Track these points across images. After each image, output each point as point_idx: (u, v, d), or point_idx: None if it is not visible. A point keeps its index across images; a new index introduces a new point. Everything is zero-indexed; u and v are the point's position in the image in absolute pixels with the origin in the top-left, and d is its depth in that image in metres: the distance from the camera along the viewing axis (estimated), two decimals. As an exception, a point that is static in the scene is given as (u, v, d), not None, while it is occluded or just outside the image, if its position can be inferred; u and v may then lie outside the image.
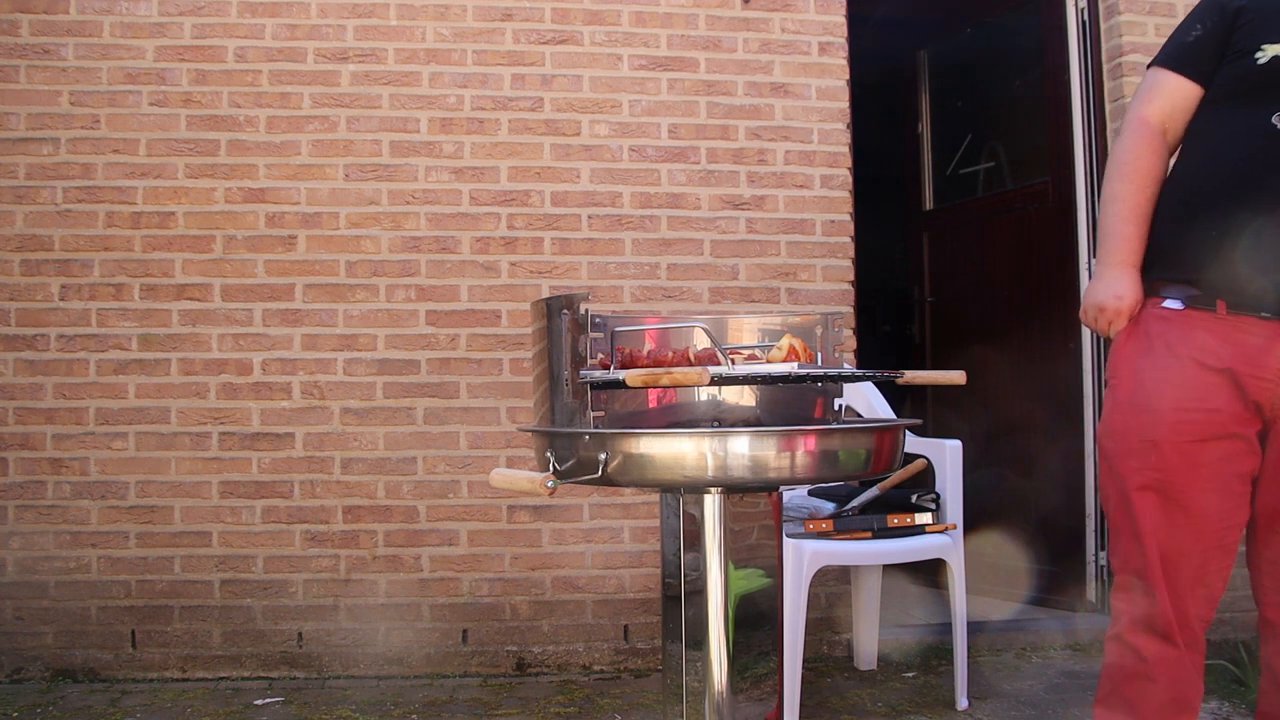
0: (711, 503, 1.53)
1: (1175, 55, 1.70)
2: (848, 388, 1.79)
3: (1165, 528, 1.61)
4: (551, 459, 1.46)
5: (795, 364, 1.53)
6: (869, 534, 2.61)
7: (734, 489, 1.53)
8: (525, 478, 1.35)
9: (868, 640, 3.05)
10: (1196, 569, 1.60)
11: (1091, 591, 3.36)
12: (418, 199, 3.05)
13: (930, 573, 3.62)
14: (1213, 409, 1.58)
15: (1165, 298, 1.65)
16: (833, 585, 3.11)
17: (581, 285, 3.05)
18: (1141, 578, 1.63)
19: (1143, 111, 1.70)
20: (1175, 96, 1.68)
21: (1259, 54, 1.56)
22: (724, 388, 1.69)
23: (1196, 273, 1.61)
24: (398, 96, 3.05)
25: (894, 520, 2.63)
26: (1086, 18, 3.38)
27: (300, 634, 2.98)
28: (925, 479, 2.72)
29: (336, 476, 3.00)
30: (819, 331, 1.74)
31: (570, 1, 3.10)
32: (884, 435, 1.53)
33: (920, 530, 2.64)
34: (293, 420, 2.99)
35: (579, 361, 1.56)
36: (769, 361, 1.58)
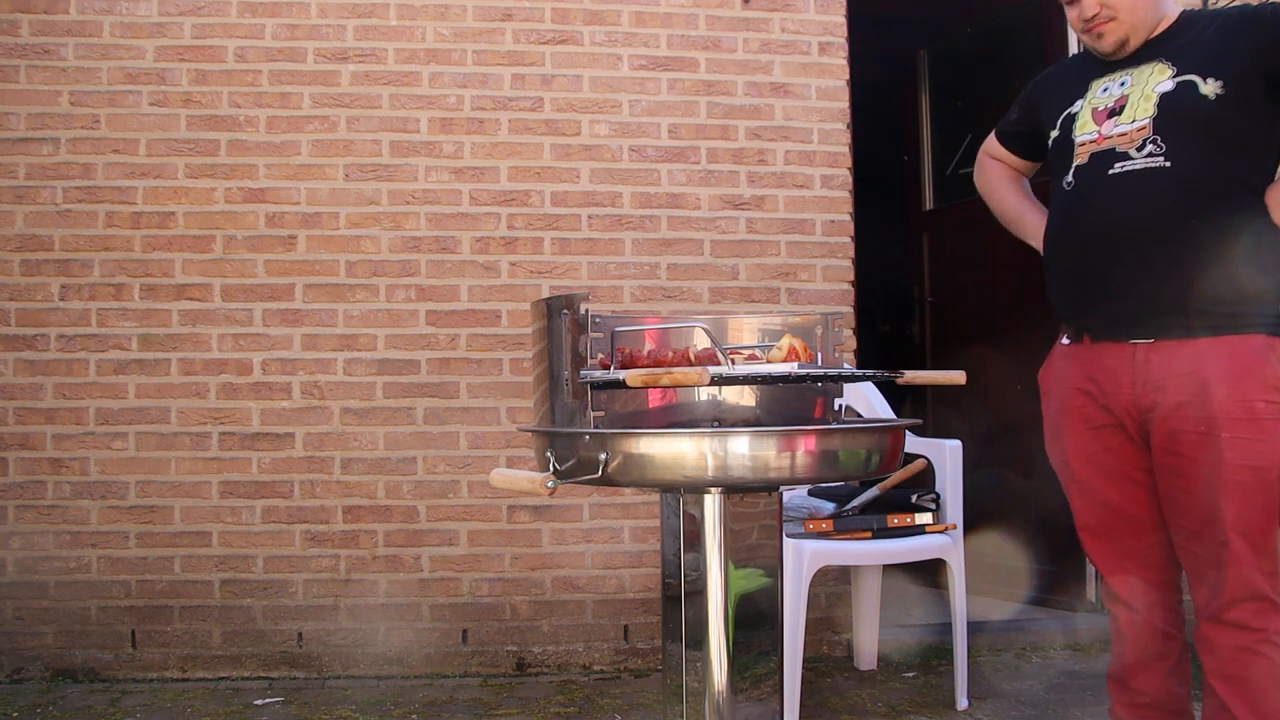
0: (711, 503, 1.53)
1: (1000, 128, 2.20)
2: (848, 388, 1.79)
3: (1094, 520, 1.96)
4: (551, 459, 1.46)
5: (795, 364, 1.53)
6: (869, 534, 2.61)
7: (734, 489, 1.52)
8: (525, 478, 1.35)
9: (868, 640, 3.05)
10: (1130, 547, 1.92)
11: (1091, 591, 3.36)
12: (418, 199, 3.05)
13: (930, 573, 3.62)
14: (1095, 426, 1.90)
15: (1063, 336, 2.00)
16: (833, 585, 3.11)
17: (581, 285, 3.05)
18: (1093, 563, 2.04)
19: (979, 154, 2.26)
20: (990, 145, 2.21)
21: (1049, 139, 1.98)
22: (724, 388, 1.69)
23: (1065, 313, 1.97)
24: (398, 96, 3.05)
25: (894, 520, 2.63)
26: (1087, 18, 3.38)
27: (300, 634, 2.98)
28: (925, 479, 2.72)
29: (336, 476, 3.00)
30: (819, 331, 1.74)
31: (570, 1, 3.10)
32: (884, 435, 1.53)
33: (920, 530, 2.64)
34: (293, 420, 2.99)
35: (579, 361, 1.56)
36: (769, 361, 1.58)
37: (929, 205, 4.17)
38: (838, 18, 3.19)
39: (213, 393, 2.98)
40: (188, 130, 3.00)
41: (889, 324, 4.70)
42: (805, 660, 2.60)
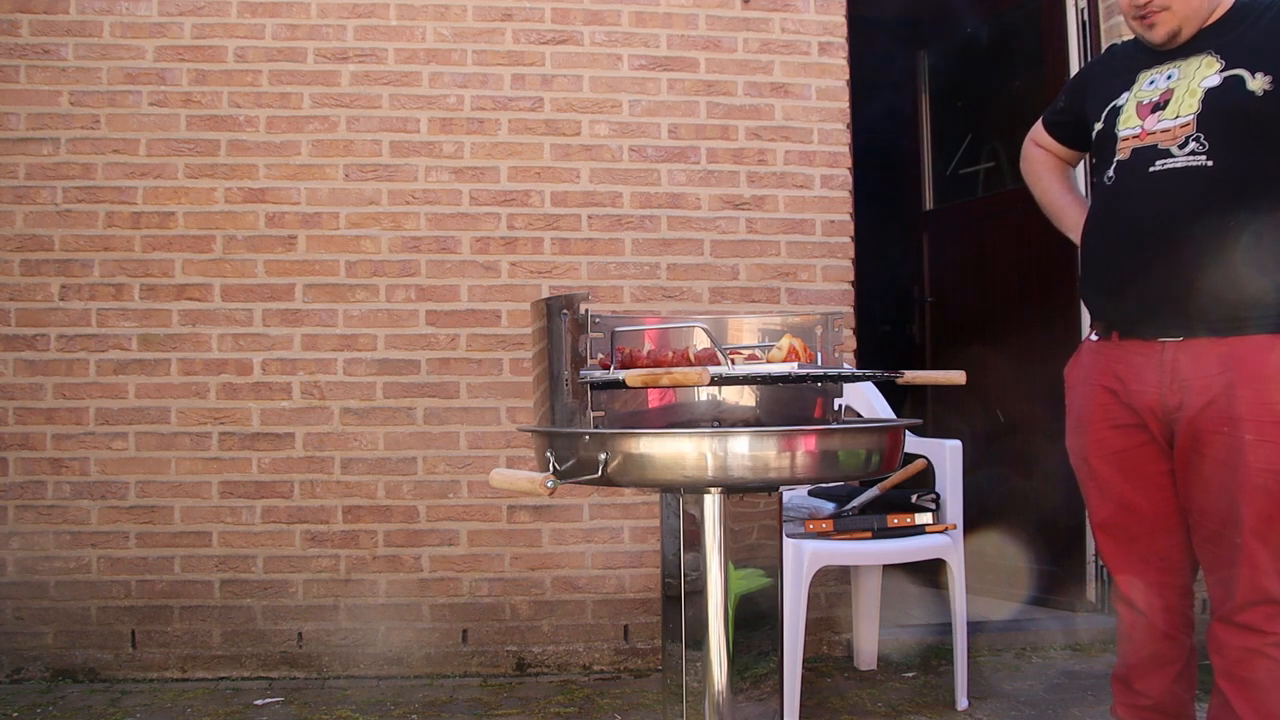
0: (711, 503, 1.53)
1: (1046, 115, 2.17)
2: (848, 388, 1.79)
3: (1112, 521, 1.93)
4: (551, 459, 1.46)
5: (795, 364, 1.53)
6: (869, 534, 2.61)
7: (734, 489, 1.52)
8: (525, 478, 1.35)
9: (868, 640, 3.05)
10: (1146, 549, 1.89)
11: (1091, 591, 3.36)
12: (418, 199, 3.05)
13: (930, 573, 3.62)
14: (1118, 425, 1.88)
15: (1091, 332, 1.98)
16: (833, 585, 3.11)
17: (581, 285, 3.05)
18: (1106, 564, 2.03)
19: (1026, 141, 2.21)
20: (1037, 132, 2.17)
21: (1093, 131, 1.94)
22: (724, 388, 1.69)
23: (1096, 309, 1.96)
24: (398, 96, 3.05)
25: (894, 520, 2.63)
26: (1086, 18, 3.38)
27: (300, 634, 2.98)
28: (925, 479, 2.71)
29: (336, 476, 3.00)
30: (819, 331, 1.74)
31: (570, 1, 3.10)
32: (884, 435, 1.53)
33: (920, 530, 2.64)
34: (293, 420, 2.99)
35: (579, 361, 1.55)
36: (769, 361, 1.58)
37: (929, 205, 4.17)
38: (838, 18, 3.19)
39: (213, 393, 2.98)
40: (188, 130, 3.00)
41: (889, 324, 4.69)
42: (805, 660, 2.60)
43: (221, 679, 2.94)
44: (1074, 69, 3.40)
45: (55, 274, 2.96)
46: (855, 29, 3.24)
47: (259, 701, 2.77)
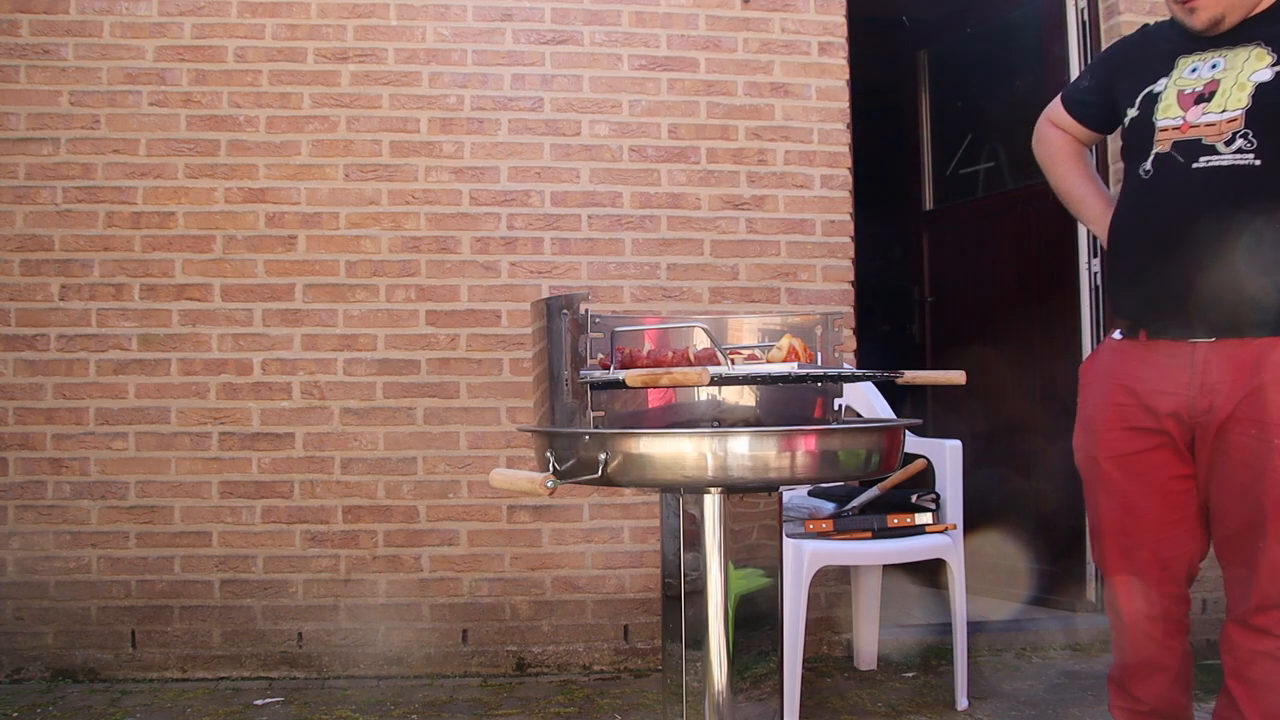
0: (711, 503, 1.53)
1: (1067, 94, 2.08)
2: (848, 388, 1.79)
3: (1114, 524, 1.87)
4: (551, 459, 1.46)
5: (795, 364, 1.53)
6: (869, 534, 2.61)
7: (734, 489, 1.52)
8: (525, 478, 1.35)
9: (868, 640, 3.05)
10: (1151, 554, 1.84)
11: (1091, 591, 3.36)
12: (418, 199, 3.05)
13: (930, 573, 3.62)
14: (1133, 427, 1.81)
15: (1115, 330, 1.91)
16: (833, 585, 3.11)
17: (581, 285, 3.05)
18: (1103, 567, 1.95)
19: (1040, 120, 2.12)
20: (1054, 112, 2.07)
21: (1125, 117, 1.85)
22: (724, 388, 1.69)
23: (1124, 308, 1.87)
24: (398, 96, 3.05)
25: (894, 520, 2.63)
26: (1086, 18, 3.38)
27: (300, 634, 2.98)
28: (925, 479, 2.71)
29: (336, 476, 3.00)
30: (819, 331, 1.74)
31: (570, 1, 3.10)
32: (884, 435, 1.53)
33: (920, 530, 2.64)
34: (293, 420, 2.99)
35: (579, 361, 1.55)
36: (769, 361, 1.58)
37: (929, 205, 4.17)
38: (838, 18, 3.19)
39: (213, 393, 2.98)
40: (188, 130, 3.00)
41: (889, 324, 4.69)
42: (805, 660, 2.61)
43: (221, 679, 2.94)
44: (1074, 69, 3.40)
45: (55, 274, 2.96)
46: (855, 29, 3.24)
47: (259, 701, 2.77)
